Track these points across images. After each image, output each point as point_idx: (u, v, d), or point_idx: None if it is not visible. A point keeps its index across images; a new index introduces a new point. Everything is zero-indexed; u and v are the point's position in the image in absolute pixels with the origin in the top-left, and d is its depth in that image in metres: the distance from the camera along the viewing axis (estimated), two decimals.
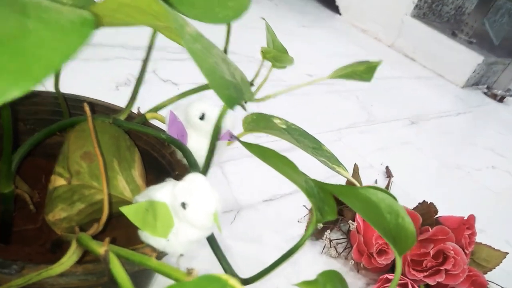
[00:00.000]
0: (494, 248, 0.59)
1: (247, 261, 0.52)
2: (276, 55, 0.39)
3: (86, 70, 0.69)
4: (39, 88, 0.32)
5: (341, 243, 0.57)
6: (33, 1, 0.17)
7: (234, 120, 0.31)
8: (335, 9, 1.80)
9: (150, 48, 0.31)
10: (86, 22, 0.17)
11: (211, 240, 0.26)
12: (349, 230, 0.58)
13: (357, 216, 0.55)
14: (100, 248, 0.21)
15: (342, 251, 0.56)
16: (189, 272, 0.21)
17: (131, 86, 0.63)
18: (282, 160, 0.26)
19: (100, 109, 0.34)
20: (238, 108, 0.27)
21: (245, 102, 0.34)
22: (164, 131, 0.33)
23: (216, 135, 0.27)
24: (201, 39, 0.22)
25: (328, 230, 0.55)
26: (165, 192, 0.25)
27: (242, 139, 0.34)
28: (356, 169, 0.67)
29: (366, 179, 0.74)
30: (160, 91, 0.74)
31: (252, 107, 0.77)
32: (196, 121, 0.31)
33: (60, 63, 0.15)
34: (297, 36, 1.35)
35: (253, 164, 0.66)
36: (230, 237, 0.53)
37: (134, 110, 0.36)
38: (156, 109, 0.36)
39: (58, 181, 0.26)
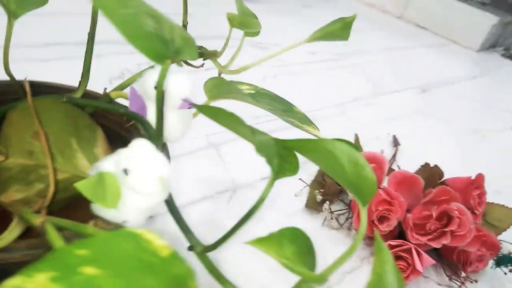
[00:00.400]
0: (507, 207, 0.56)
1: (246, 239, 0.51)
2: (243, 20, 0.37)
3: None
4: None
5: (342, 214, 0.55)
6: None
7: (192, 86, 0.30)
8: None
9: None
10: None
11: (169, 204, 0.25)
12: (350, 200, 0.56)
13: None
14: (37, 220, 0.21)
15: (344, 222, 0.54)
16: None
17: (124, 79, 0.62)
18: (231, 117, 0.25)
19: (56, 90, 0.33)
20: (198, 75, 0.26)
21: (187, 62, 0.33)
22: (125, 106, 0.32)
23: (160, 99, 0.26)
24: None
25: (327, 202, 0.54)
26: (111, 161, 0.24)
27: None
28: (356, 139, 0.65)
29: (372, 150, 0.72)
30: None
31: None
32: (151, 91, 0.30)
33: None
34: (299, 17, 1.32)
35: (250, 144, 0.64)
36: (228, 217, 0.52)
37: (99, 90, 0.35)
38: (121, 87, 0.35)
39: None
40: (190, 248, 0.24)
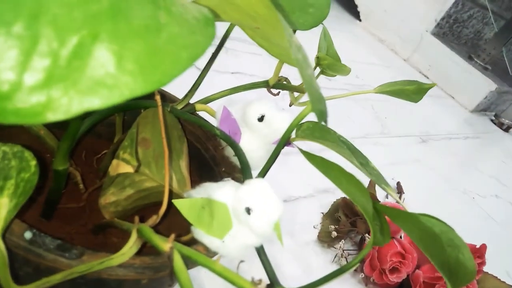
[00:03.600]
0: (500, 280, 0.59)
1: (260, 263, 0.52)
2: (331, 63, 0.38)
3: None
4: None
5: (352, 254, 0.57)
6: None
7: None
8: (356, 14, 1.79)
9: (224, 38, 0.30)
10: (209, 21, 0.16)
11: (259, 247, 0.25)
12: (361, 242, 0.58)
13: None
14: (165, 244, 0.21)
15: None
16: (256, 283, 0.20)
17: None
18: (347, 178, 0.25)
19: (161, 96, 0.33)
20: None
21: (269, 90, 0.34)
22: (215, 126, 0.32)
23: (283, 143, 0.27)
24: (301, 49, 0.21)
25: (343, 240, 0.55)
26: (226, 192, 0.24)
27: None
28: (372, 183, 0.67)
29: (377, 193, 0.74)
30: (226, 83, 0.73)
31: None
32: (254, 122, 0.30)
33: (189, 64, 0.14)
34: (313, 37, 1.34)
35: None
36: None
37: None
38: (206, 101, 0.35)
39: (123, 168, 0.25)
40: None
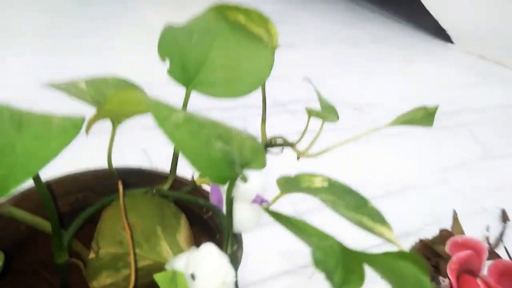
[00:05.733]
0: None
1: None
2: (319, 113, 0.39)
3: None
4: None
5: None
6: (30, 116, 0.20)
7: (264, 182, 0.32)
8: (446, 38, 1.70)
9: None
10: (71, 128, 0.20)
11: None
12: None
13: (449, 270, 0.49)
14: None
15: None
16: None
17: None
18: (291, 222, 0.25)
19: (148, 177, 0.37)
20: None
21: (257, 168, 0.35)
22: (204, 197, 0.35)
23: (229, 204, 0.28)
24: (189, 123, 0.23)
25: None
26: (183, 261, 0.26)
27: (279, 200, 0.34)
28: (455, 219, 0.60)
29: (476, 226, 0.66)
30: None
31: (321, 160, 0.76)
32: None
33: (38, 166, 0.18)
34: (400, 73, 1.30)
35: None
36: None
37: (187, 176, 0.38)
38: None
39: (91, 255, 0.29)
40: None
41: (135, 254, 0.31)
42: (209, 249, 0.25)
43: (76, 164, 0.38)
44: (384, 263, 0.23)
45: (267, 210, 0.27)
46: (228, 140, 0.25)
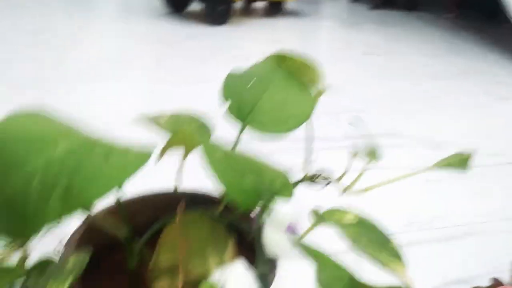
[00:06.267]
0: None
1: None
2: (359, 154, 0.43)
3: None
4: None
5: None
6: (114, 147, 0.27)
7: (296, 213, 0.36)
8: None
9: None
10: (142, 157, 0.27)
11: None
12: None
13: None
14: None
15: None
16: None
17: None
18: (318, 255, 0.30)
19: (205, 200, 0.44)
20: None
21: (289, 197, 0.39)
22: (248, 222, 0.41)
23: (258, 230, 0.33)
24: (228, 159, 0.29)
25: None
26: (220, 275, 0.32)
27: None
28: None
29: None
30: None
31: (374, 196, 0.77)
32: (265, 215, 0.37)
33: (116, 184, 0.25)
34: (491, 112, 1.24)
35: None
36: None
37: None
38: None
39: (152, 261, 0.37)
40: None
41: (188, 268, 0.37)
42: (239, 267, 0.31)
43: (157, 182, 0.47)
44: None
45: (304, 246, 0.32)
46: (259, 174, 0.31)
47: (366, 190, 0.43)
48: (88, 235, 0.40)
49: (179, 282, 0.33)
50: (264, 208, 0.31)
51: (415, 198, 0.80)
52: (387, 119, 1.08)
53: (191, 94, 1.16)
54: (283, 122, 0.38)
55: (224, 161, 0.29)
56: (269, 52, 0.44)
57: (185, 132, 0.30)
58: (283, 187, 0.32)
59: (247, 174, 0.30)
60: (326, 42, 1.94)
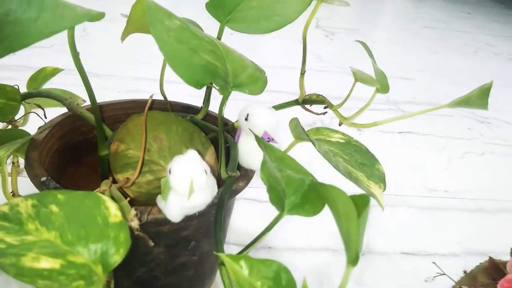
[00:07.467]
0: None
1: None
2: (364, 76, 0.38)
3: None
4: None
5: None
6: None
7: (275, 122, 0.33)
8: None
9: None
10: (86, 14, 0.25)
11: (217, 214, 0.29)
12: None
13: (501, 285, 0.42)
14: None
15: None
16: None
17: None
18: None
19: (187, 109, 0.42)
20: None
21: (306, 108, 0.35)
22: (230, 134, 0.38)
23: (221, 123, 0.30)
24: (182, 31, 0.26)
25: None
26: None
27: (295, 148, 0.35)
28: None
29: None
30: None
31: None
32: (242, 122, 0.34)
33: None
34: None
35: (398, 213, 0.59)
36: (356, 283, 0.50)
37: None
38: None
39: (112, 146, 0.35)
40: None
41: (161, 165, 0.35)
42: (191, 153, 0.28)
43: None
44: (328, 194, 0.23)
45: (258, 138, 0.29)
46: (220, 58, 0.27)
47: (375, 124, 0.38)
48: (68, 120, 0.40)
49: (135, 174, 0.31)
50: (223, 100, 0.28)
51: (454, 168, 0.73)
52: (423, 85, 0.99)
53: None
54: (265, 22, 0.33)
55: (175, 31, 0.26)
56: None
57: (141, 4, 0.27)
58: (252, 81, 0.29)
59: (201, 52, 0.26)
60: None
